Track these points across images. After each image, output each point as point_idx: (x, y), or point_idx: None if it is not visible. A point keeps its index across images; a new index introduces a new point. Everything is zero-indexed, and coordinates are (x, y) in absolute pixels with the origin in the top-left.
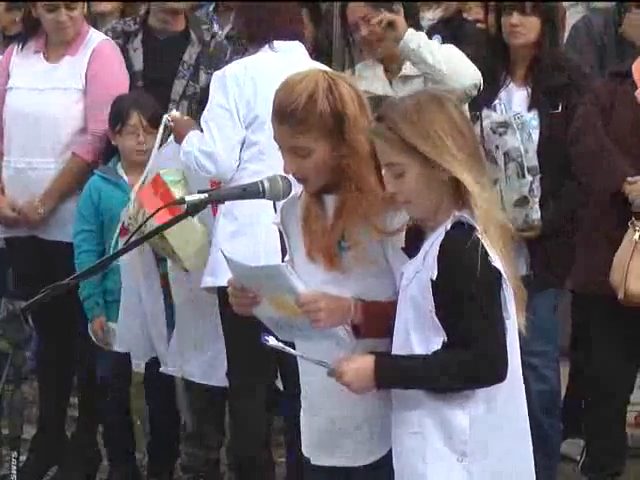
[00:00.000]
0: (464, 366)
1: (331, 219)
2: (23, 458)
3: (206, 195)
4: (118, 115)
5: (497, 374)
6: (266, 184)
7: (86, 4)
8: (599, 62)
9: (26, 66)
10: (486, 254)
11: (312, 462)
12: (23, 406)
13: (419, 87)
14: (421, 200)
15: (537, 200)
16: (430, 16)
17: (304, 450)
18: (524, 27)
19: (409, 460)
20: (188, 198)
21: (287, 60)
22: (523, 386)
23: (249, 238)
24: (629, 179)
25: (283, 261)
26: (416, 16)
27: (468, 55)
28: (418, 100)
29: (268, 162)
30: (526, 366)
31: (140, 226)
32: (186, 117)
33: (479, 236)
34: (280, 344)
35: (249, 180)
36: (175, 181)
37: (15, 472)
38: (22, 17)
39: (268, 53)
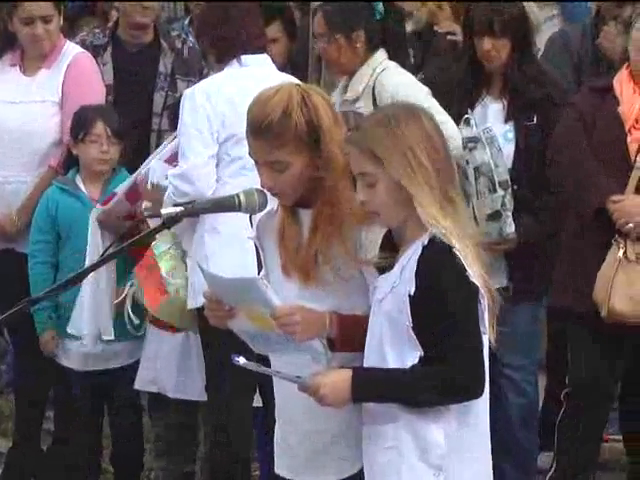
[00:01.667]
0: (441, 382)
1: (307, 234)
2: None
3: (182, 208)
4: (82, 124)
5: (474, 390)
6: (242, 197)
7: (61, 18)
8: (576, 75)
9: (2, 80)
10: (464, 269)
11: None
12: None
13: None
14: (390, 211)
15: (510, 214)
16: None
17: (277, 469)
18: (496, 50)
19: (383, 475)
20: (164, 211)
21: (259, 74)
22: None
23: (237, 250)
24: (614, 198)
25: (260, 274)
26: (400, 29)
27: (440, 67)
28: (395, 114)
29: (251, 177)
30: (505, 379)
31: (113, 243)
32: (149, 187)
33: (456, 251)
34: (252, 363)
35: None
36: (163, 252)
37: None
38: None
39: (237, 69)
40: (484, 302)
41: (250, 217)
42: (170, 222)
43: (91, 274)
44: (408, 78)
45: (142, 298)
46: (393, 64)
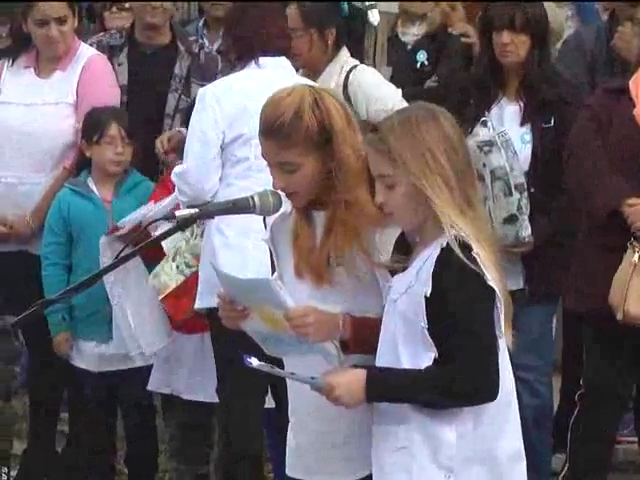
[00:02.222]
0: (454, 384)
1: (320, 236)
2: (13, 473)
3: (196, 210)
4: (96, 126)
5: (487, 393)
6: (256, 199)
7: (75, 20)
8: (589, 76)
9: (16, 81)
10: (481, 272)
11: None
12: (13, 421)
13: None
14: (409, 213)
15: (526, 217)
16: (415, 31)
17: (289, 471)
18: (514, 45)
19: (393, 476)
20: (178, 213)
21: (273, 76)
22: (516, 403)
23: (238, 250)
24: (629, 201)
25: (273, 275)
26: (361, 29)
27: (452, 69)
28: (414, 115)
29: (256, 178)
30: (518, 380)
31: (126, 245)
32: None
33: (475, 254)
34: (265, 364)
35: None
36: None
37: None
38: (10, 32)
39: (254, 70)
40: (500, 306)
41: (264, 219)
42: (184, 224)
43: (118, 292)
44: (382, 79)
45: None
46: (358, 62)
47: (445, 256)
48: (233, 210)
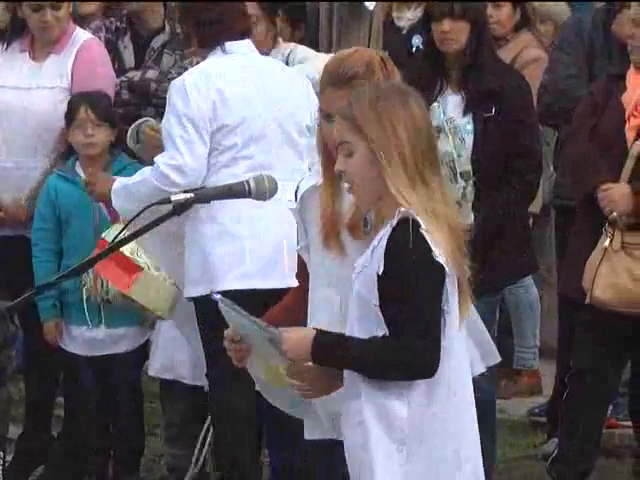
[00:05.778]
0: (393, 356)
1: (347, 209)
2: (9, 458)
3: (192, 195)
4: (68, 110)
5: (424, 368)
6: (252, 183)
7: (70, 4)
8: (589, 63)
9: (11, 66)
10: (429, 250)
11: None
12: (9, 405)
13: None
14: (365, 185)
15: (470, 205)
16: (410, 16)
17: (307, 435)
18: (454, 33)
19: (355, 450)
20: (174, 197)
21: (244, 62)
22: (470, 380)
23: (234, 239)
24: (603, 186)
25: (298, 246)
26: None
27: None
28: (383, 88)
29: (242, 166)
30: None
31: (115, 237)
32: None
33: (423, 231)
34: (225, 300)
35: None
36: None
37: (1, 471)
38: None
39: (221, 56)
40: (452, 282)
41: (295, 192)
42: (179, 208)
43: None
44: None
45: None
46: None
47: (395, 235)
48: (229, 194)
